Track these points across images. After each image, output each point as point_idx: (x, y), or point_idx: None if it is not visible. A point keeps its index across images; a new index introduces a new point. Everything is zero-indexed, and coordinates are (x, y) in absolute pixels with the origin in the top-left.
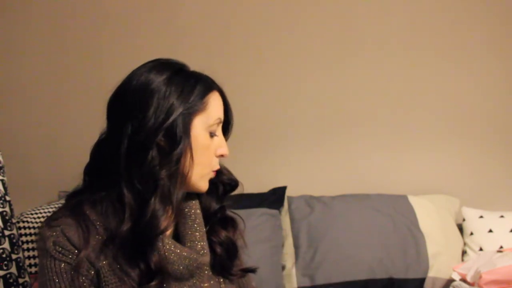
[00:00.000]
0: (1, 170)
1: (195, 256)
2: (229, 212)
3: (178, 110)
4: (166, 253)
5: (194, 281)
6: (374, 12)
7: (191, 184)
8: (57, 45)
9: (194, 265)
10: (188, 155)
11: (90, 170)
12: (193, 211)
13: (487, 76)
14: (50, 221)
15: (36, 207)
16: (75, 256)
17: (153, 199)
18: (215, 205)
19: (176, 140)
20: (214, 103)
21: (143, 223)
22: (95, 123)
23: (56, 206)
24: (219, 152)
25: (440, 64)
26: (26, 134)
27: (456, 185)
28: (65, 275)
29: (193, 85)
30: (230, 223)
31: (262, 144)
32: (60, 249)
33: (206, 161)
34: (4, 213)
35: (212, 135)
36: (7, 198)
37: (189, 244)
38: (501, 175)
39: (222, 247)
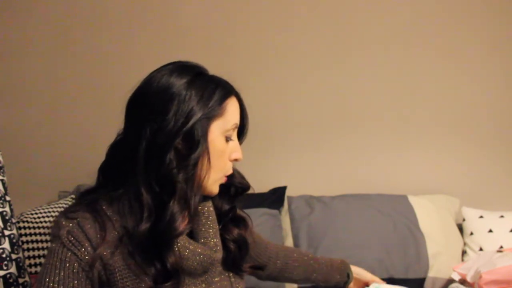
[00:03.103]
0: (1, 170)
1: (209, 253)
2: (240, 212)
3: (198, 115)
4: (181, 250)
5: (207, 276)
6: (375, 13)
7: (205, 188)
8: (57, 45)
9: (208, 261)
10: (205, 159)
11: (105, 169)
12: (206, 208)
13: (487, 76)
14: (68, 212)
15: (36, 207)
16: (83, 249)
17: (172, 202)
18: (226, 206)
19: (194, 144)
20: (232, 108)
21: (162, 225)
22: (95, 123)
23: (56, 206)
24: (233, 156)
25: (440, 65)
26: (26, 134)
27: (456, 185)
28: (68, 264)
29: (212, 90)
30: (242, 222)
31: (262, 144)
32: (73, 239)
33: (221, 165)
34: (4, 213)
35: (228, 139)
36: (7, 198)
37: (202, 241)
38: (501, 175)
39: (235, 244)
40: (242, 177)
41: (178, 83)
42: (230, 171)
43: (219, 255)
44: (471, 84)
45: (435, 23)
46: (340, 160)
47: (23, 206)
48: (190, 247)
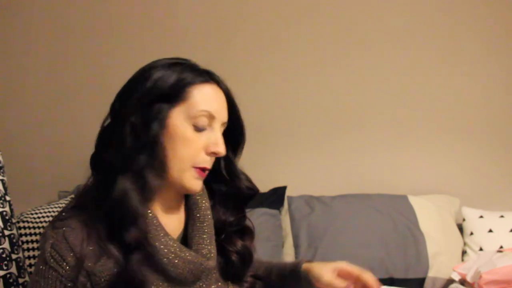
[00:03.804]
0: (1, 170)
1: (200, 260)
2: (247, 222)
3: (155, 95)
4: (170, 257)
5: (201, 284)
6: (375, 13)
7: (174, 179)
8: (57, 45)
9: (199, 269)
10: (164, 144)
11: (95, 160)
12: (202, 212)
13: (487, 76)
14: (56, 221)
15: (36, 207)
16: (64, 264)
17: (122, 177)
18: (231, 217)
19: (148, 124)
20: (201, 95)
21: (113, 199)
22: (95, 123)
23: (56, 206)
24: (211, 149)
25: (440, 65)
26: (26, 134)
27: (456, 185)
28: (50, 282)
29: (180, 72)
30: (248, 232)
31: (262, 144)
32: (55, 254)
33: (188, 155)
34: (4, 213)
35: (198, 129)
36: (7, 198)
37: (195, 248)
38: (501, 175)
39: (238, 255)
40: (249, 181)
41: (153, 68)
42: (204, 165)
43: (212, 263)
44: (471, 85)
45: (434, 24)
46: (340, 160)
47: (23, 206)
48: (181, 254)
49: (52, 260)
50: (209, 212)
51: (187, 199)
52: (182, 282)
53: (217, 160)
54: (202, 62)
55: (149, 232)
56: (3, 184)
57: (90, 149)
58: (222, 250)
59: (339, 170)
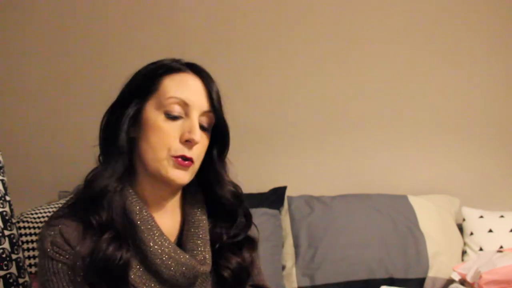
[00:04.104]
0: (1, 170)
1: (193, 264)
2: (250, 233)
3: (132, 91)
4: (164, 257)
5: None
6: (375, 14)
7: (153, 169)
8: (57, 45)
9: (192, 272)
10: (137, 137)
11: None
12: (197, 217)
13: (487, 76)
14: (51, 220)
15: (36, 207)
16: (70, 256)
17: (100, 155)
18: (223, 229)
19: (124, 114)
20: (172, 82)
21: (89, 177)
22: (95, 123)
23: (56, 206)
24: (184, 137)
25: (440, 65)
26: (26, 134)
27: (456, 185)
28: (62, 275)
29: (155, 67)
30: (248, 243)
31: (263, 144)
32: (57, 249)
33: (160, 143)
34: (4, 213)
35: (172, 117)
36: (7, 198)
37: (190, 253)
38: (501, 175)
39: (232, 273)
40: (233, 191)
41: (143, 67)
42: (182, 153)
43: (206, 268)
44: (471, 85)
45: (435, 25)
46: (340, 160)
47: (23, 206)
48: (175, 256)
49: (57, 255)
50: (204, 217)
51: (184, 205)
52: (176, 285)
53: (207, 167)
54: (202, 62)
55: (143, 232)
56: (3, 184)
57: (90, 149)
58: (214, 262)
59: (339, 170)
